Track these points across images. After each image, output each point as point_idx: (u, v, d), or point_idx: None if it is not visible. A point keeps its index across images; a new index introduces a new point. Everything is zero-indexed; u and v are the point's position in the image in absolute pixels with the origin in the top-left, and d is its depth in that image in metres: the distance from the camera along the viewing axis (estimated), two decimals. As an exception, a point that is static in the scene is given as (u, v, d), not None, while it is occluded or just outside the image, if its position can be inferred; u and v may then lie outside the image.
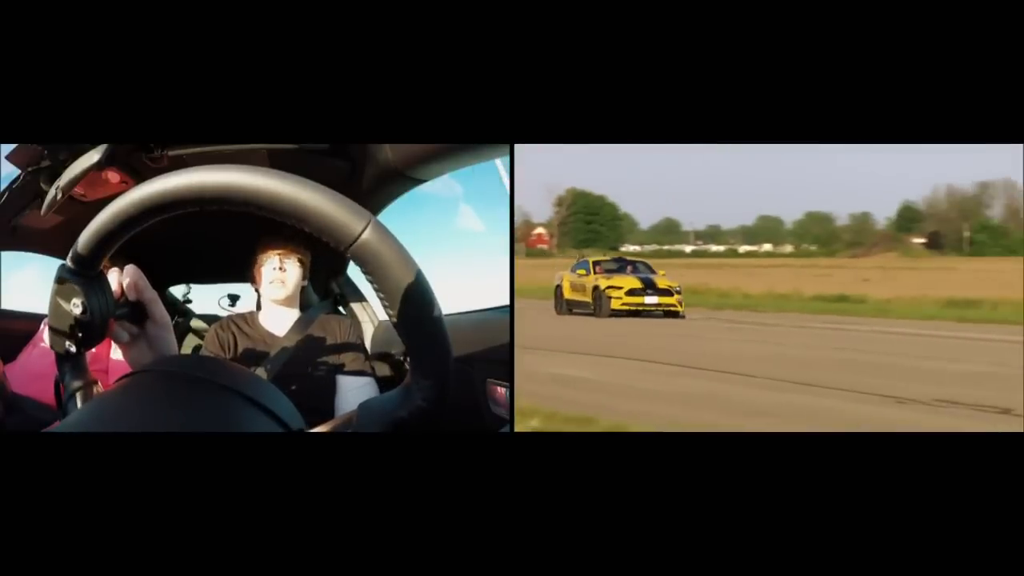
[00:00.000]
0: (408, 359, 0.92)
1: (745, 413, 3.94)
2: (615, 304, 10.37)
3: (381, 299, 0.85)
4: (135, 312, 1.01)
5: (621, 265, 11.32)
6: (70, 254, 0.92)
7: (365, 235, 0.80)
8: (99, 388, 1.01)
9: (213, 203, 0.82)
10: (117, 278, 0.99)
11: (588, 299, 10.73)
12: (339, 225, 0.80)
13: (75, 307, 0.91)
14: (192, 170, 0.82)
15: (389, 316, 0.85)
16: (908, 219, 32.29)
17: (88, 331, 0.94)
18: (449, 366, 0.89)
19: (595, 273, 10.92)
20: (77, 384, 0.97)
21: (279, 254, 2.44)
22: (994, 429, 3.59)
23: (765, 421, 3.74)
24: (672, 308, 10.49)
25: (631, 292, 10.48)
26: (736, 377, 5.19)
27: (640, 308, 10.40)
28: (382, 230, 0.82)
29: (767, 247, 37.48)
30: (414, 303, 0.83)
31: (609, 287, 10.47)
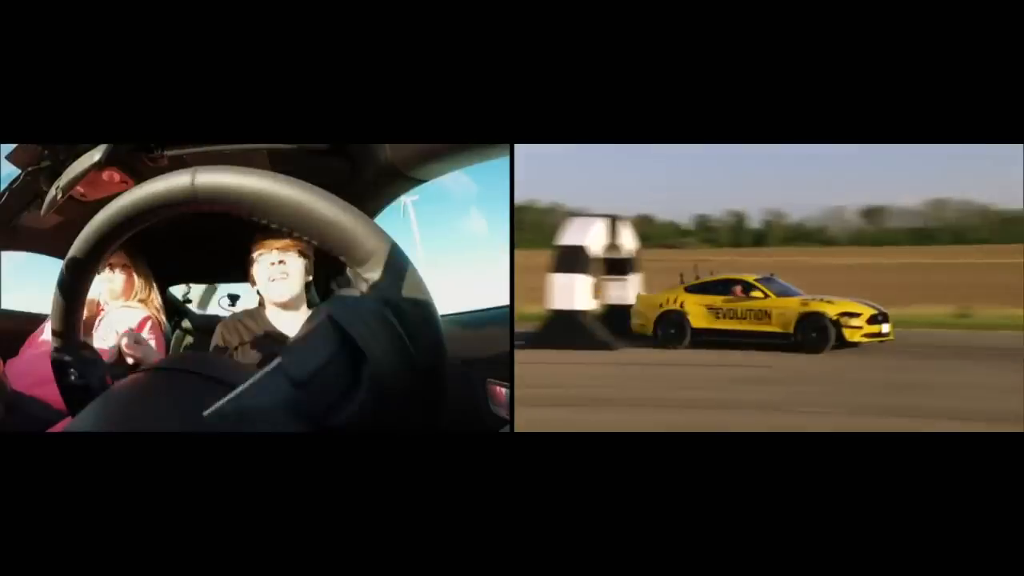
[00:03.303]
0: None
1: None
2: (853, 336, 7.86)
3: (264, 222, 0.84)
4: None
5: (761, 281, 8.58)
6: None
7: (197, 180, 0.81)
8: None
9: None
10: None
11: (773, 327, 8.06)
12: (167, 190, 0.81)
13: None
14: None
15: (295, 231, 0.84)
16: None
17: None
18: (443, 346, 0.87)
19: (776, 296, 8.29)
20: None
21: (278, 248, 2.22)
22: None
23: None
24: (888, 338, 8.23)
25: (872, 320, 8.04)
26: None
27: (877, 339, 8.05)
28: (210, 168, 0.82)
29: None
30: (294, 203, 0.81)
31: (843, 314, 7.90)
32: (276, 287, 2.23)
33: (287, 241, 2.21)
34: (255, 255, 2.26)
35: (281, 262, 2.22)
